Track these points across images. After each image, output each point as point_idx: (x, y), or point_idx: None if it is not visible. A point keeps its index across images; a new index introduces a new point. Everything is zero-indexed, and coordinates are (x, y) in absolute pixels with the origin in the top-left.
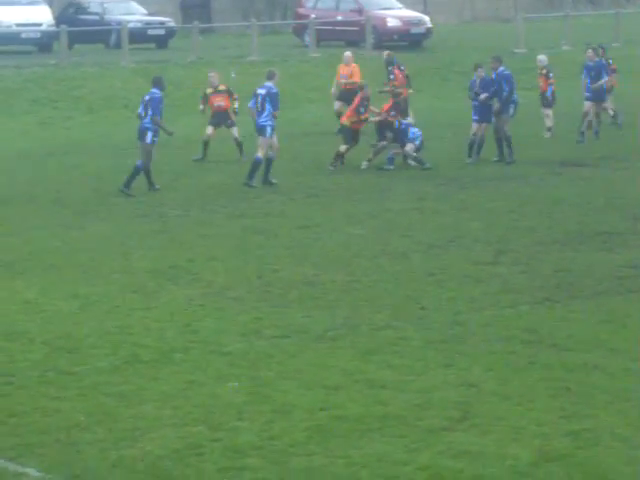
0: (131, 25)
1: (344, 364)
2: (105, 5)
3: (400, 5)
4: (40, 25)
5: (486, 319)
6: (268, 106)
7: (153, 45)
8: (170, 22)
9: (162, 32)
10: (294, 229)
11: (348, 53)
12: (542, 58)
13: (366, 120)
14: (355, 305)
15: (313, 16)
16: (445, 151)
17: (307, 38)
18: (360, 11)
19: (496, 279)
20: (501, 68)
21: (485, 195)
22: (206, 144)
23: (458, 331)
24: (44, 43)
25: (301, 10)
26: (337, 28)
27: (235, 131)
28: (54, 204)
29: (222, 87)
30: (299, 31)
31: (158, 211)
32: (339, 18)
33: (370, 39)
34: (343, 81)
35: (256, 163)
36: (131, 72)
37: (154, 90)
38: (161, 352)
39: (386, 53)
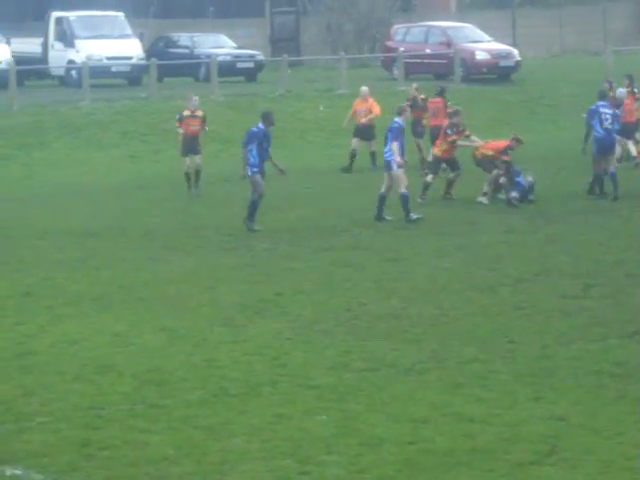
0: (220, 58)
1: (432, 397)
2: (195, 39)
3: (489, 38)
4: (130, 59)
5: (574, 353)
6: (389, 141)
7: (242, 78)
8: (259, 55)
9: (251, 65)
10: (382, 262)
11: (365, 88)
12: (622, 91)
13: (454, 142)
14: (443, 338)
15: (402, 49)
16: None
17: (396, 71)
18: (449, 44)
19: (584, 313)
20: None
21: (573, 228)
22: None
23: (546, 365)
24: (134, 77)
25: (390, 43)
26: (426, 61)
27: (199, 159)
28: (143, 237)
29: (199, 113)
30: (388, 64)
31: (246, 244)
32: (428, 51)
33: (459, 72)
34: (363, 120)
35: (404, 199)
36: (220, 105)
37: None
38: (249, 385)
39: (414, 87)
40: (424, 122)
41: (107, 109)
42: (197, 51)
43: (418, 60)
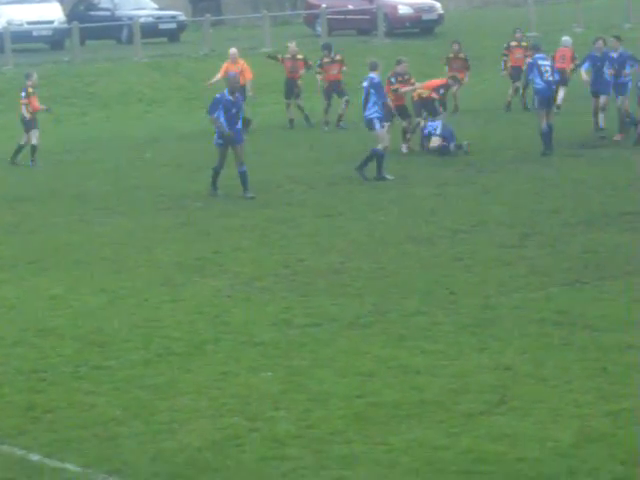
0: (142, 20)
1: (377, 351)
2: (116, 1)
3: None
4: (52, 22)
5: (516, 302)
6: (373, 97)
7: (165, 39)
8: (181, 16)
9: (173, 26)
10: (317, 218)
11: (234, 50)
12: (567, 39)
13: (397, 91)
14: (384, 292)
15: (324, 6)
16: (467, 136)
17: (318, 28)
18: None
19: (524, 262)
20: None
21: (507, 179)
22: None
23: (489, 315)
24: (56, 40)
25: (312, 0)
26: (348, 17)
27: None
28: (75, 200)
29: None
30: (310, 21)
31: (180, 204)
32: (350, 7)
33: (382, 27)
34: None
35: (372, 155)
36: (144, 67)
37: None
38: (192, 344)
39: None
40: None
41: None
42: (118, 13)
43: (341, 16)
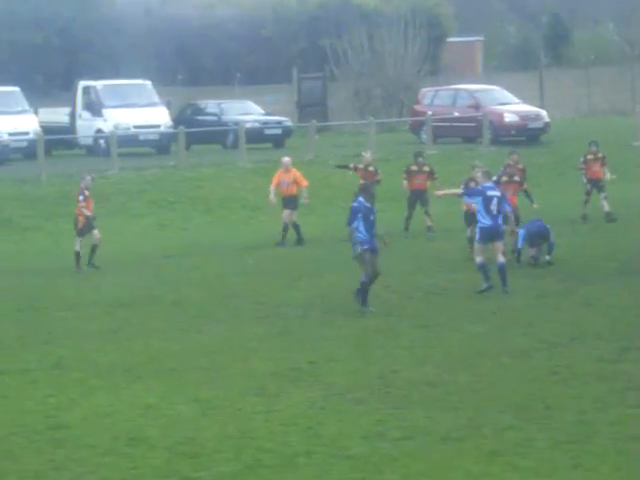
0: (248, 125)
1: (469, 466)
2: (222, 105)
3: (517, 100)
4: (158, 127)
5: (612, 418)
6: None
7: (270, 145)
8: (287, 121)
9: (279, 131)
10: (414, 328)
11: (287, 158)
12: None
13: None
14: (478, 405)
15: (430, 113)
16: (566, 246)
17: (424, 135)
18: (477, 107)
19: (621, 377)
20: None
21: (607, 291)
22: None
23: (584, 430)
24: (162, 145)
25: (418, 107)
26: (454, 124)
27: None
28: (173, 306)
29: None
30: (416, 128)
31: (278, 312)
32: (456, 114)
33: (487, 134)
34: (285, 190)
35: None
36: (249, 172)
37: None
38: (284, 456)
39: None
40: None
41: (136, 178)
42: (225, 118)
43: (446, 124)
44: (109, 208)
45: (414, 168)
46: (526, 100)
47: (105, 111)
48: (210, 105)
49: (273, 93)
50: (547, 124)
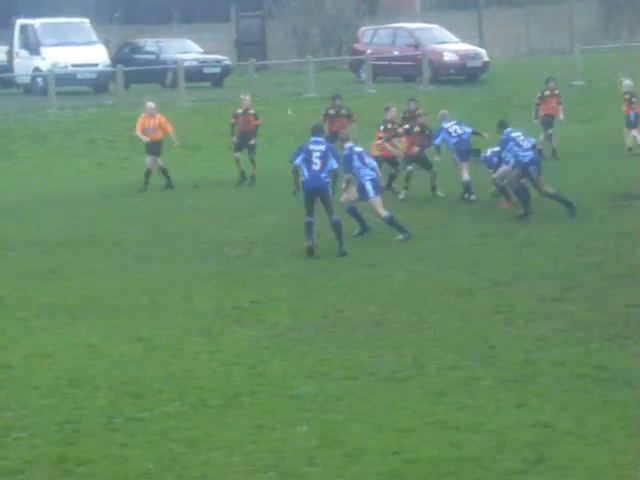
0: (187, 64)
1: (414, 405)
2: (161, 44)
3: (456, 39)
4: (96, 65)
5: (556, 357)
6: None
7: (209, 83)
8: (226, 60)
9: (218, 70)
10: (356, 268)
11: (150, 103)
12: (627, 83)
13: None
14: (423, 345)
15: (369, 51)
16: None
17: (363, 74)
18: (416, 46)
19: (564, 316)
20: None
21: (548, 230)
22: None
23: (529, 370)
24: (100, 84)
25: (357, 46)
26: (393, 63)
27: None
28: (113, 246)
29: None
30: (355, 67)
31: (219, 252)
32: (395, 53)
33: (427, 74)
34: (150, 134)
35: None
36: (188, 111)
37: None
38: (228, 396)
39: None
40: None
41: (74, 117)
42: (163, 57)
43: (386, 62)
44: (47, 147)
45: (331, 111)
46: (465, 39)
47: (43, 49)
48: (148, 44)
49: (211, 32)
50: (486, 63)
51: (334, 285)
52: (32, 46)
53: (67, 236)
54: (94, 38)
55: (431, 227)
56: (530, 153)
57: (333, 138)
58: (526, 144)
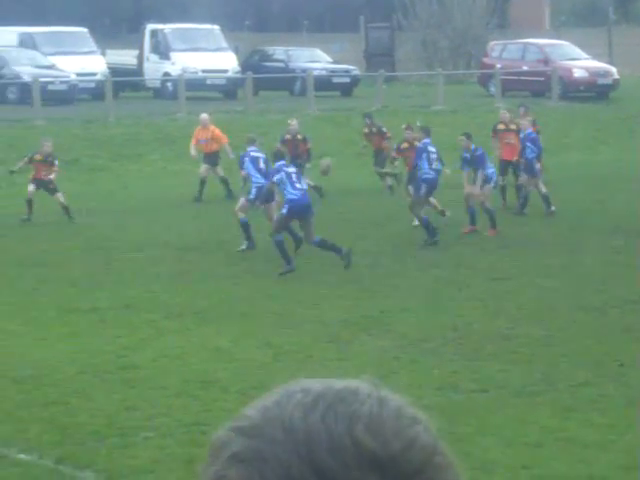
0: (316, 73)
1: (544, 421)
2: (290, 52)
3: (587, 56)
4: (226, 72)
5: None
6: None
7: (337, 93)
8: (355, 70)
9: (347, 80)
10: (486, 281)
11: (204, 115)
12: None
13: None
14: (552, 360)
15: (498, 66)
16: (631, 204)
17: (492, 88)
18: (546, 61)
19: None
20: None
21: None
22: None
23: None
24: (230, 90)
25: (486, 60)
26: (522, 78)
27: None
28: (243, 251)
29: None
30: (484, 81)
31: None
32: (525, 68)
33: (556, 90)
34: (204, 146)
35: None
36: (317, 119)
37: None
38: None
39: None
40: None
41: None
42: (292, 65)
43: (515, 77)
44: (176, 151)
45: (366, 130)
46: (594, 57)
47: (173, 54)
48: (278, 52)
49: (340, 41)
50: (616, 81)
51: (463, 297)
52: (162, 51)
53: (196, 239)
54: (224, 45)
55: (561, 243)
56: (433, 173)
57: (377, 155)
58: (434, 164)
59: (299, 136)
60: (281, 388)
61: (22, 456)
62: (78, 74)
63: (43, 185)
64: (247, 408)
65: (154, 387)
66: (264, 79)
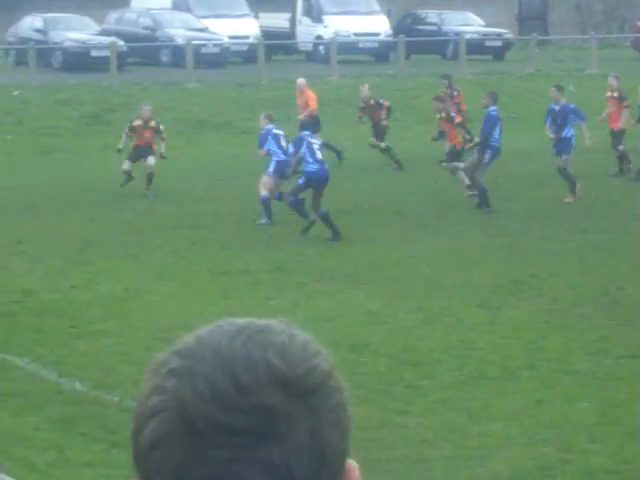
0: (468, 36)
1: None
2: (443, 16)
3: None
4: (378, 35)
5: None
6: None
7: (489, 57)
8: (507, 34)
9: (499, 44)
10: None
11: (301, 80)
12: None
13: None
14: None
15: None
16: None
17: None
18: None
19: None
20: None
21: None
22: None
23: None
24: (382, 53)
25: None
26: None
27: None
28: (395, 215)
29: (153, 123)
30: (638, 44)
31: (498, 224)
32: None
33: None
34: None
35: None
36: (468, 83)
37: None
38: (506, 369)
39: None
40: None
41: (354, 85)
42: (445, 28)
43: None
44: (327, 114)
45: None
46: None
47: (325, 17)
48: (430, 15)
49: (491, 5)
50: None
51: (615, 262)
52: (315, 14)
53: (348, 203)
54: (376, 8)
55: None
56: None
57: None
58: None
59: (372, 101)
60: (214, 322)
61: None
62: (231, 37)
63: (144, 153)
64: (185, 336)
65: None
66: (416, 42)
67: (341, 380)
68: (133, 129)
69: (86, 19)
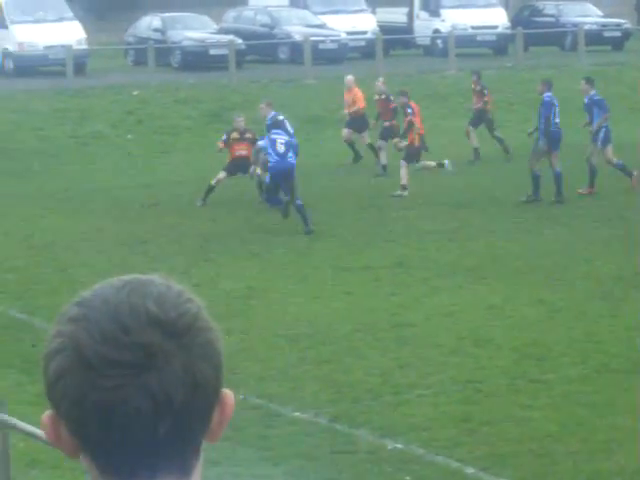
0: (587, 27)
1: None
2: (561, 7)
3: None
4: (496, 27)
5: None
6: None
7: (608, 47)
8: (626, 24)
9: (618, 34)
10: None
11: (349, 77)
12: None
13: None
14: None
15: None
16: None
17: None
18: None
19: None
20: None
21: None
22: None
23: None
24: (500, 46)
25: None
26: None
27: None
28: (514, 208)
29: (249, 135)
30: None
31: (620, 215)
32: None
33: None
34: (346, 111)
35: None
36: (587, 74)
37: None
38: (632, 362)
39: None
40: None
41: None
42: (563, 19)
43: None
44: (447, 108)
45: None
46: None
47: (443, 11)
48: (548, 6)
49: None
50: None
51: None
52: (432, 8)
53: (468, 197)
54: (494, 0)
55: None
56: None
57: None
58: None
59: (383, 96)
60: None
61: (297, 414)
62: (348, 33)
63: (242, 167)
64: (85, 290)
65: (428, 345)
66: (534, 34)
67: (211, 321)
68: (230, 143)
69: (204, 18)
